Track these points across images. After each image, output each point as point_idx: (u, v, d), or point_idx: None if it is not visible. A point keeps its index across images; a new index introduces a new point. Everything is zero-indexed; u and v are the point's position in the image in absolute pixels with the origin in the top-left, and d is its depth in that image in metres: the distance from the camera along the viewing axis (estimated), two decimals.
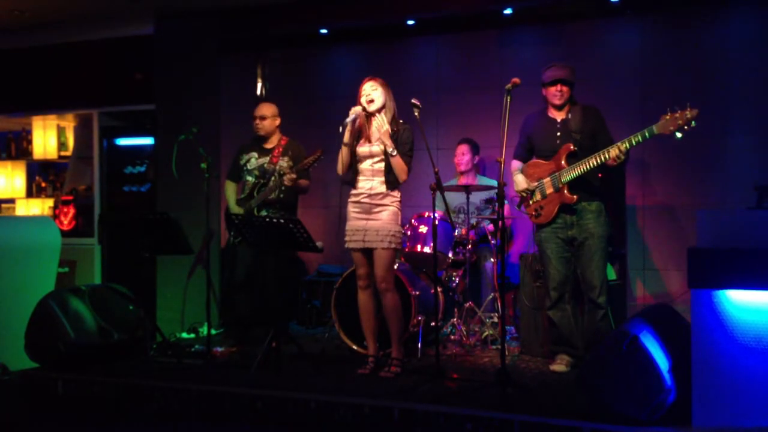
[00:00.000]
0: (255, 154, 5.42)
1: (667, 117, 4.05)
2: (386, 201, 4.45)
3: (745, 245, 3.24)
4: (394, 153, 4.36)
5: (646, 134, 4.13)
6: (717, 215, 3.43)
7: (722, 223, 3.35)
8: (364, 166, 4.47)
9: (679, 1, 5.67)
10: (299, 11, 6.24)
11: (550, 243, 4.57)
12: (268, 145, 5.45)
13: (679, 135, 4.02)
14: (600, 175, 4.47)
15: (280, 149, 5.40)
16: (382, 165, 4.44)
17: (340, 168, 4.52)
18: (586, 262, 4.47)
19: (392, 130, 4.42)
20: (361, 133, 4.50)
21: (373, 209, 4.44)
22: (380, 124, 4.38)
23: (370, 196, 4.45)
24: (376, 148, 4.43)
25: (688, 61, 5.65)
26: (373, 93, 4.43)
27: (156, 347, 5.12)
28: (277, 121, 5.49)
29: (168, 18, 6.47)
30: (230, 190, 5.50)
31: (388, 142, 4.36)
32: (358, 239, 4.46)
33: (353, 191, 4.53)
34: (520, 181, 4.64)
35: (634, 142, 4.17)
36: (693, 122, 3.99)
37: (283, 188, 5.18)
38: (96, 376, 4.56)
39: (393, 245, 4.43)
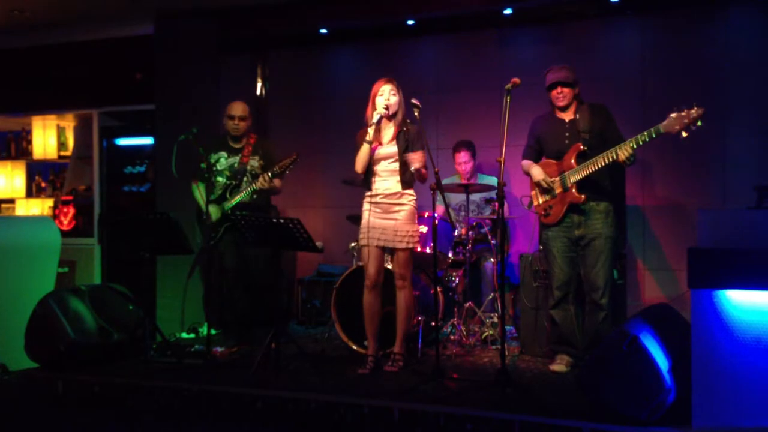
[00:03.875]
0: (224, 154, 5.28)
1: (674, 116, 4.05)
2: (403, 200, 4.50)
3: (745, 245, 3.24)
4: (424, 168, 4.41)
5: (653, 133, 4.12)
6: (717, 215, 3.43)
7: (722, 223, 3.35)
8: (380, 167, 4.52)
9: (679, 1, 5.67)
10: (299, 11, 6.24)
11: (557, 242, 4.57)
12: (237, 144, 5.31)
13: (684, 134, 4.02)
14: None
15: (250, 148, 5.27)
16: (397, 165, 4.48)
17: (359, 167, 4.53)
18: (591, 263, 4.47)
19: (401, 130, 4.49)
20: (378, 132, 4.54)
21: (391, 209, 4.49)
22: (413, 158, 4.34)
23: (387, 196, 4.50)
24: (392, 148, 4.48)
25: (688, 61, 5.65)
26: (392, 98, 4.48)
27: (156, 347, 5.12)
28: (250, 121, 5.38)
29: (168, 18, 6.47)
30: (200, 191, 5.26)
31: (419, 165, 4.36)
32: (375, 237, 4.49)
33: (369, 192, 4.56)
34: (537, 173, 4.61)
35: (640, 142, 4.17)
36: (699, 121, 3.99)
37: (255, 190, 5.09)
38: (96, 376, 4.56)
39: (411, 245, 4.48)
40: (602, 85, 5.71)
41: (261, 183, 5.01)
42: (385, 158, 4.51)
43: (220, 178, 5.26)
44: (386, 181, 4.52)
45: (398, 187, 4.50)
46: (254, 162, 5.25)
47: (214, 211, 5.22)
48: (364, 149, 4.49)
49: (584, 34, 6.03)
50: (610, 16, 5.92)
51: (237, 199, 5.14)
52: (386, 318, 4.68)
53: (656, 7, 5.75)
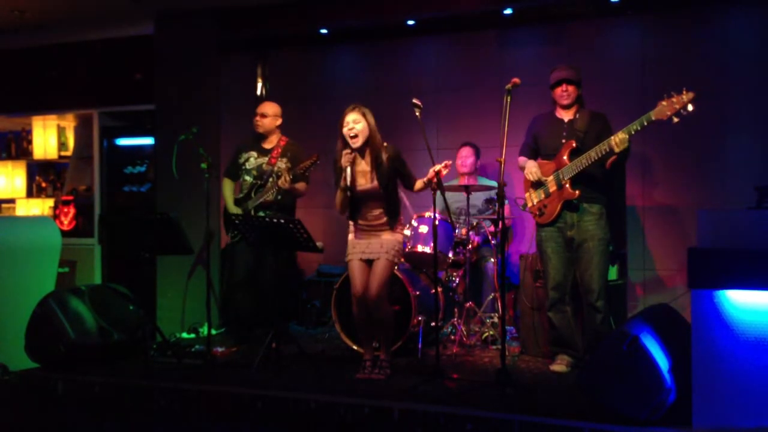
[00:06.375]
0: (254, 154, 5.41)
1: (664, 102, 4.05)
2: (391, 227, 4.43)
3: (745, 245, 3.24)
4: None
5: (644, 121, 4.12)
6: (717, 215, 3.43)
7: (722, 223, 3.35)
8: (364, 203, 4.41)
9: (679, 1, 5.67)
10: (299, 11, 6.23)
11: (551, 243, 4.57)
12: (267, 145, 5.43)
13: (675, 119, 4.01)
14: (610, 163, 4.40)
15: (279, 150, 5.38)
16: (380, 201, 4.38)
17: (340, 210, 4.45)
18: (584, 265, 4.47)
19: (378, 162, 4.32)
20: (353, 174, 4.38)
21: (378, 227, 4.43)
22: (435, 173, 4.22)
23: (373, 225, 4.43)
24: (373, 184, 4.35)
25: (688, 60, 5.64)
26: (356, 126, 4.30)
27: (156, 347, 5.13)
28: (278, 121, 5.48)
29: (168, 18, 6.46)
30: (227, 188, 5.49)
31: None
32: (359, 250, 4.42)
33: (355, 224, 4.48)
34: (530, 165, 4.60)
35: (632, 131, 4.17)
36: (690, 105, 3.97)
37: (279, 190, 5.16)
38: (96, 376, 4.56)
39: (395, 259, 4.41)
40: (602, 85, 5.71)
41: (281, 183, 5.05)
42: (367, 196, 4.38)
43: (247, 177, 5.38)
44: (371, 213, 4.41)
45: (384, 219, 4.40)
46: (281, 164, 5.32)
47: (235, 210, 5.34)
48: (340, 195, 4.37)
49: (584, 34, 6.02)
50: (610, 16, 5.91)
51: (261, 199, 5.22)
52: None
53: (656, 7, 5.75)
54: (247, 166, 5.39)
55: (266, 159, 5.37)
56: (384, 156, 4.34)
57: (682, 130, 4.28)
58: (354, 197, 4.40)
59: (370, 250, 4.40)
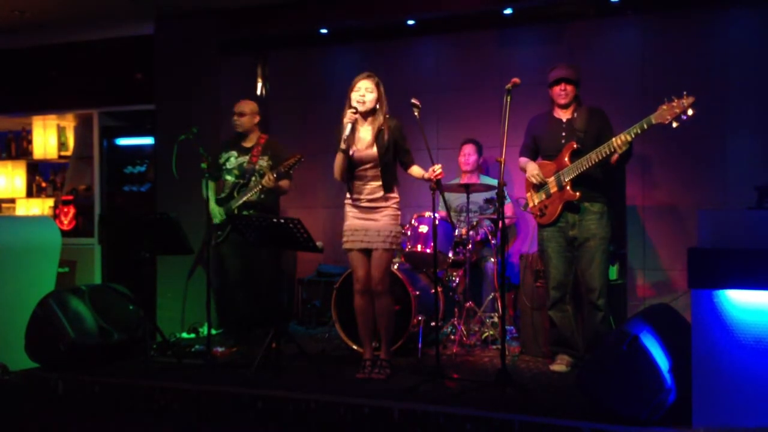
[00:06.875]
0: (234, 153, 5.35)
1: (664, 107, 4.05)
2: (387, 203, 4.42)
3: (745, 245, 3.24)
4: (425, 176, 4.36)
5: (644, 125, 4.11)
6: (717, 215, 3.43)
7: (722, 223, 3.35)
8: (361, 171, 4.42)
9: (679, 1, 5.67)
10: (299, 11, 6.23)
11: (552, 242, 4.57)
12: (247, 144, 5.38)
13: (675, 124, 4.01)
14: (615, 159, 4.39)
15: (260, 148, 5.32)
16: (378, 169, 4.40)
17: (337, 174, 4.45)
18: (586, 264, 4.47)
19: (380, 130, 4.37)
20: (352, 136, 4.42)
21: (374, 211, 4.42)
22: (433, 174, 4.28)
23: (369, 200, 4.42)
24: (371, 151, 4.38)
25: (688, 61, 5.65)
26: (368, 95, 4.35)
27: (156, 347, 5.12)
28: (256, 119, 5.43)
29: (168, 18, 6.47)
30: (210, 189, 5.40)
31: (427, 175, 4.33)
32: (358, 239, 4.43)
33: (351, 195, 4.48)
34: (531, 168, 4.61)
35: (632, 134, 4.17)
36: (690, 110, 3.97)
37: (263, 189, 5.12)
38: (96, 376, 4.56)
39: (393, 246, 4.42)
40: (602, 85, 5.71)
41: (266, 181, 5.02)
42: (365, 162, 4.39)
43: (229, 177, 5.31)
44: (368, 185, 4.42)
45: (381, 192, 4.40)
46: (263, 162, 5.28)
47: (218, 212, 5.25)
48: (339, 157, 4.39)
49: (584, 34, 6.02)
50: (610, 16, 5.91)
51: (244, 198, 5.16)
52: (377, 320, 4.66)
53: (656, 7, 5.75)
54: (228, 165, 5.32)
55: (247, 158, 5.30)
56: (385, 126, 4.38)
57: (682, 130, 4.27)
58: (352, 166, 4.41)
59: (368, 239, 4.39)
